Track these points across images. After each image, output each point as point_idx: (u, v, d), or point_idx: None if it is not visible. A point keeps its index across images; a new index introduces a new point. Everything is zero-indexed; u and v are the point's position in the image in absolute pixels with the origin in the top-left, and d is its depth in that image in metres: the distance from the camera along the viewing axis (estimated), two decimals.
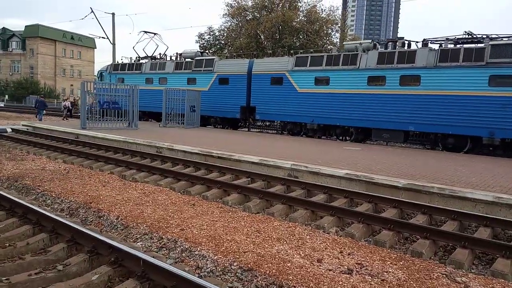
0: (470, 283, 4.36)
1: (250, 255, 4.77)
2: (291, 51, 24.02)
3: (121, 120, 19.46)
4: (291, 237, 5.52)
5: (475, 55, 14.49)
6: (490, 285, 4.33)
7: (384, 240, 5.70)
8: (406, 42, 17.06)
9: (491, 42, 14.55)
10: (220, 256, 4.72)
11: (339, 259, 4.85)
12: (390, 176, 8.62)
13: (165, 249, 5.05)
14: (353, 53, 17.80)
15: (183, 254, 4.87)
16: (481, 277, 4.60)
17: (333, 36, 38.95)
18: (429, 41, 16.32)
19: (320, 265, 4.63)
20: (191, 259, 4.76)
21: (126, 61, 29.33)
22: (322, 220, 6.53)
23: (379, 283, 4.24)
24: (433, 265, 4.87)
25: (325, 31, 37.41)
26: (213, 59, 23.84)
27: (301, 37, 37.16)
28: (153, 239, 5.32)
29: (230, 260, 4.64)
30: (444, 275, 4.54)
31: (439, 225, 6.64)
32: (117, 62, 30.02)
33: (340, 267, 4.59)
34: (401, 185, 8.03)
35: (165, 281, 3.84)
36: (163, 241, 5.22)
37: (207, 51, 36.56)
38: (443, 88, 15.10)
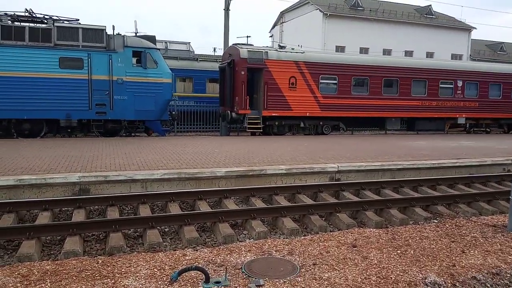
0: None
1: None
2: None
3: None
4: None
5: (42, 35, 13.87)
6: (16, 272, 4.13)
7: None
8: None
9: (56, 24, 14.16)
10: None
11: None
12: None
13: None
14: None
15: None
16: (6, 267, 4.31)
17: None
18: None
19: None
20: None
21: None
22: None
23: None
24: None
25: None
26: None
27: None
28: None
29: None
30: None
31: None
32: None
33: None
34: None
35: None
36: None
37: None
38: (11, 69, 13.61)
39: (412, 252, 4.64)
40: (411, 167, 9.59)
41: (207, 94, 20.25)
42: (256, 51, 17.01)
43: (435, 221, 6.47)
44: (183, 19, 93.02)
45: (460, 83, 20.09)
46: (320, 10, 37.39)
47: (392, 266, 4.21)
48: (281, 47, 19.10)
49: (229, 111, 17.14)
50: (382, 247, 4.77)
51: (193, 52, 23.27)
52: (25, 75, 13.88)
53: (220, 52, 29.20)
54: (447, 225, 5.77)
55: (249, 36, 43.90)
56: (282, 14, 44.51)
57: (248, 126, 16.98)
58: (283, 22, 44.32)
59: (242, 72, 16.66)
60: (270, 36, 48.01)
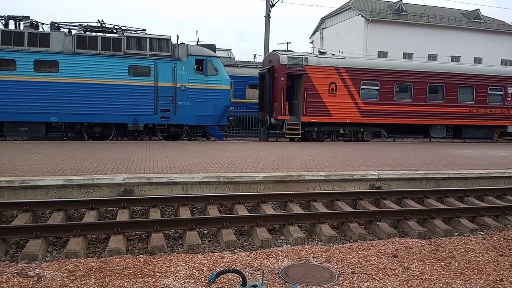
0: (44, 272, 4.21)
1: None
2: None
3: None
4: None
5: (113, 44, 14.76)
6: (64, 267, 4.35)
7: None
8: (34, 22, 14.84)
9: (126, 34, 15.07)
10: None
11: None
12: None
13: None
14: None
15: None
16: (55, 263, 4.55)
17: None
18: (59, 25, 15.07)
19: None
20: None
21: None
22: None
23: None
24: (3, 266, 4.37)
25: None
26: None
27: None
28: None
29: None
30: (16, 274, 4.16)
31: (10, 221, 6.09)
32: None
33: None
34: None
35: None
36: None
37: None
38: (85, 76, 14.55)
39: (456, 264, 4.46)
40: (457, 176, 9.21)
41: (246, 100, 20.43)
42: (296, 57, 16.99)
43: (481, 233, 6.18)
44: (221, 25, 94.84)
45: (510, 90, 19.06)
46: (362, 16, 36.81)
47: (434, 278, 4.07)
48: (321, 53, 18.97)
49: (268, 117, 17.20)
50: (424, 258, 4.61)
51: (234, 58, 23.59)
52: (97, 82, 14.69)
53: (259, 58, 29.39)
54: (495, 238, 5.50)
55: (289, 43, 43.90)
56: (323, 20, 44.21)
57: (287, 132, 16.95)
58: (323, 28, 43.99)
59: (282, 78, 16.69)
60: (310, 42, 47.78)
